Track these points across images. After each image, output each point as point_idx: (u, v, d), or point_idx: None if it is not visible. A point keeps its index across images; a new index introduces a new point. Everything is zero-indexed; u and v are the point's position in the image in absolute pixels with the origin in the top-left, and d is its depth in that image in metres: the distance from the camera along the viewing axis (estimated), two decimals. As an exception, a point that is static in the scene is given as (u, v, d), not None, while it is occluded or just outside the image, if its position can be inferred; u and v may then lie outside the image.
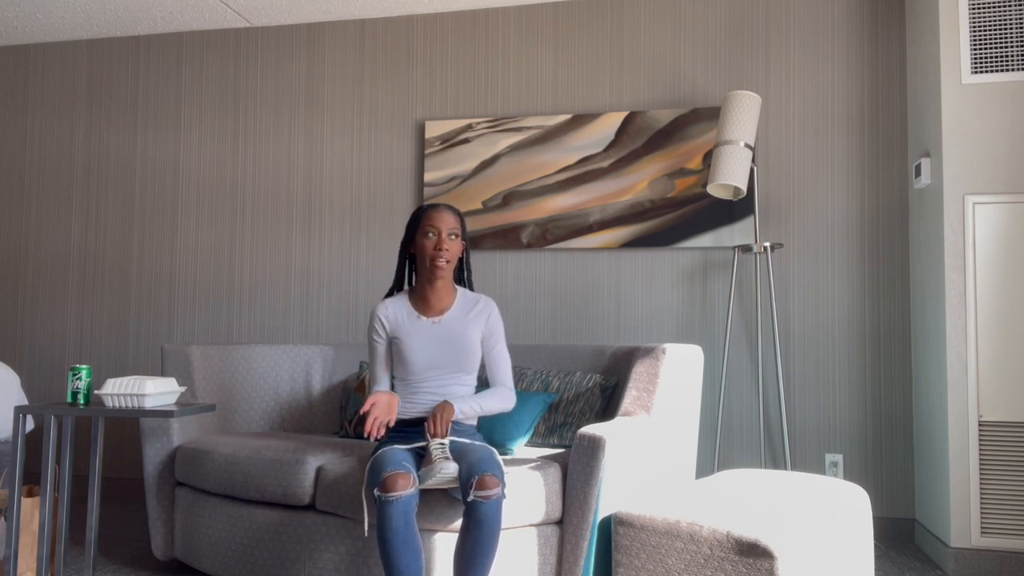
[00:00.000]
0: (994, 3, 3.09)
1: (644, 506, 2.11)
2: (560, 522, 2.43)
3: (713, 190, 3.53)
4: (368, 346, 2.53)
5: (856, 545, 2.19)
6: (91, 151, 4.55)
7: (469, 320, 2.47)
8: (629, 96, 3.94)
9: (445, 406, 2.31)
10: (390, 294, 2.57)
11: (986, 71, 3.09)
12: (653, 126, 3.85)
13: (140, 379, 2.41)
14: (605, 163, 3.88)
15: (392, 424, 2.28)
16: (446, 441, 2.24)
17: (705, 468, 3.74)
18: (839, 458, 3.60)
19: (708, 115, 3.79)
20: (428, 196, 4.06)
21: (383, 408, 2.27)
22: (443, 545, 2.35)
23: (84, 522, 3.81)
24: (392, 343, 2.47)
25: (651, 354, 2.68)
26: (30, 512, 2.71)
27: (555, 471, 2.43)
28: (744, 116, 3.41)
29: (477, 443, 2.31)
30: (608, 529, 2.26)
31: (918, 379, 3.48)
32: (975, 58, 3.10)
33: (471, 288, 2.60)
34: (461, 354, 2.43)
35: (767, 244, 3.49)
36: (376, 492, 2.09)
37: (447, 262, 2.41)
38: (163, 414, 2.32)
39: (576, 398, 2.88)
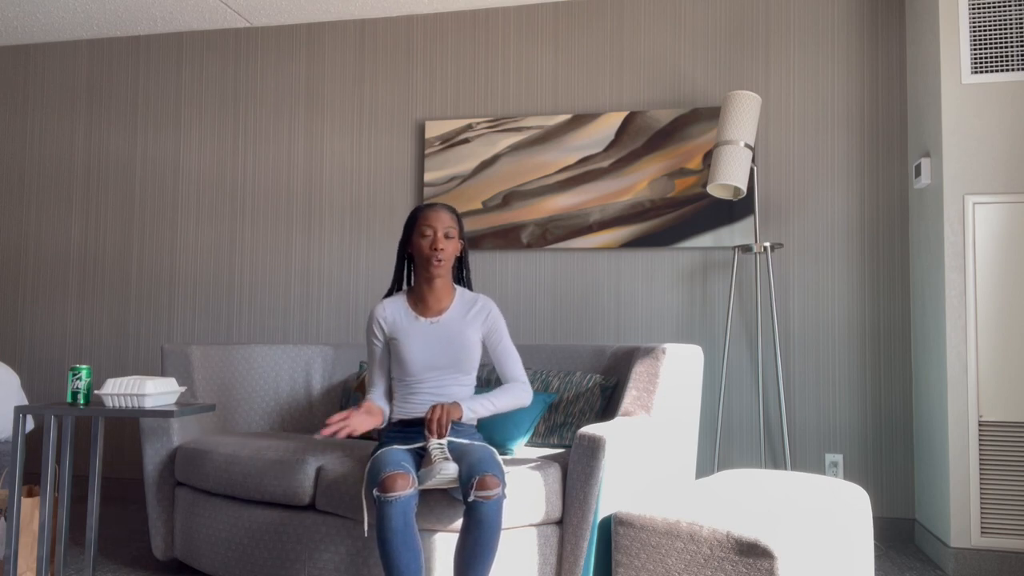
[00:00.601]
0: (994, 3, 3.09)
1: (644, 506, 2.11)
2: (560, 522, 2.43)
3: (713, 190, 3.53)
4: (366, 347, 2.53)
5: (856, 545, 2.19)
6: (91, 151, 4.55)
7: (468, 320, 2.47)
8: (629, 96, 3.94)
9: (447, 406, 2.31)
10: (389, 294, 2.57)
11: (986, 71, 3.09)
12: (653, 126, 3.85)
13: (140, 379, 2.41)
14: (605, 163, 3.88)
15: (355, 434, 2.28)
16: (444, 441, 2.24)
17: (705, 468, 3.74)
18: (839, 458, 3.60)
19: (708, 115, 3.79)
20: (428, 196, 4.06)
21: (359, 418, 2.28)
22: (443, 545, 2.35)
23: (84, 522, 3.81)
24: (390, 344, 2.48)
25: (651, 354, 2.68)
26: (30, 512, 2.71)
27: (555, 471, 2.43)
28: (744, 116, 3.41)
29: (477, 443, 2.31)
30: (608, 529, 2.26)
31: (918, 379, 3.48)
32: (975, 58, 3.10)
33: (470, 288, 2.60)
34: (459, 354, 2.43)
35: (767, 244, 3.49)
36: (375, 492, 2.09)
37: (443, 261, 2.41)
38: (163, 414, 2.32)
39: (576, 398, 2.88)
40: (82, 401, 2.46)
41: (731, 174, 3.37)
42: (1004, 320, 3.02)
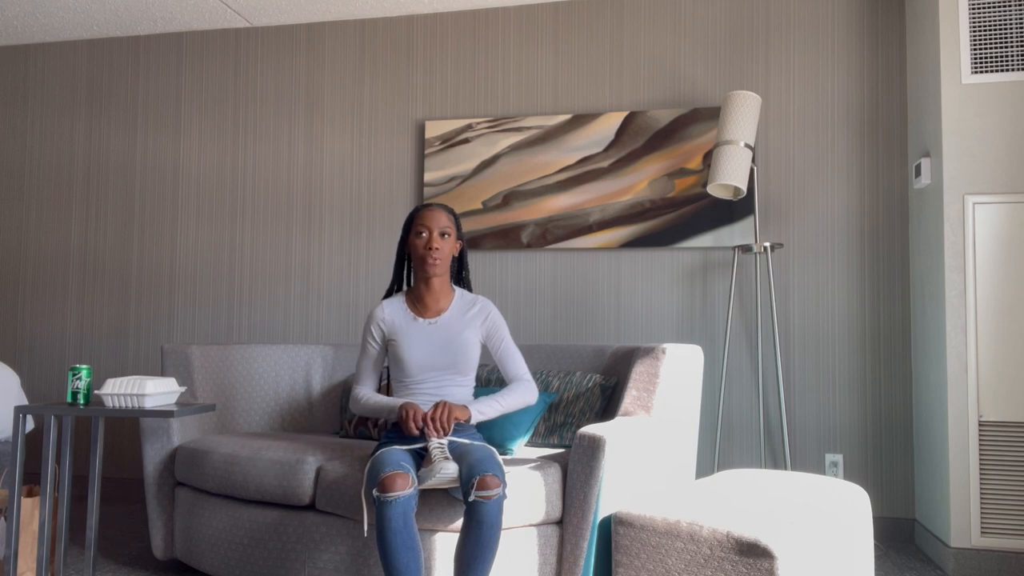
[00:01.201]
0: (994, 3, 3.09)
1: (644, 506, 2.11)
2: (560, 522, 2.43)
3: (713, 190, 3.53)
4: (361, 344, 2.53)
5: (856, 545, 2.19)
6: (91, 151, 4.55)
7: (466, 321, 2.47)
8: (629, 96, 3.94)
9: (452, 406, 2.30)
10: (388, 294, 2.57)
11: (986, 71, 3.09)
12: (653, 126, 3.85)
13: (140, 379, 2.41)
14: (605, 163, 3.88)
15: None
16: (445, 441, 2.24)
17: (705, 468, 3.74)
18: (839, 458, 3.60)
19: (708, 115, 3.79)
20: (428, 196, 4.06)
21: (416, 409, 2.28)
22: (443, 545, 2.35)
23: (84, 522, 3.81)
24: (389, 345, 2.48)
25: (651, 354, 2.68)
26: (30, 512, 2.71)
27: (555, 471, 2.43)
28: (744, 116, 3.41)
29: (477, 443, 2.31)
30: (608, 529, 2.26)
31: (918, 379, 3.48)
32: (975, 58, 3.10)
33: (469, 289, 2.61)
34: (458, 355, 2.43)
35: (767, 244, 3.49)
36: (375, 492, 2.09)
37: (438, 261, 2.42)
38: (163, 414, 2.33)
39: (576, 398, 2.88)
40: (82, 401, 2.46)
41: (731, 174, 3.37)
42: (1004, 320, 3.02)
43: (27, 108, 4.65)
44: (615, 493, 2.35)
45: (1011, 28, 3.08)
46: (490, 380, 3.05)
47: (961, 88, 3.12)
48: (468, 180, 4.02)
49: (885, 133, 3.67)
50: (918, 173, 3.34)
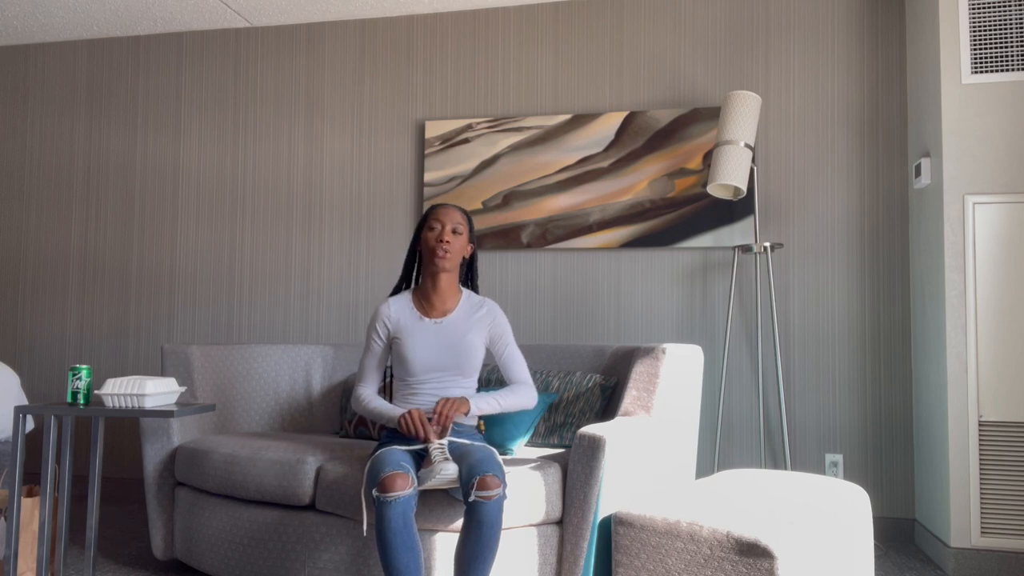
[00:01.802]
0: (994, 3, 3.09)
1: (644, 506, 2.11)
2: (560, 522, 2.43)
3: (713, 190, 3.53)
4: (365, 341, 2.53)
5: (856, 545, 2.19)
6: (91, 151, 4.55)
7: (472, 323, 2.47)
8: (629, 96, 3.94)
9: (453, 401, 2.30)
10: (396, 291, 2.57)
11: (986, 71, 3.09)
12: (653, 126, 3.85)
13: (140, 379, 2.41)
14: (605, 163, 3.88)
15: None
16: (445, 442, 2.24)
17: (705, 468, 3.74)
18: (839, 458, 3.60)
19: (708, 115, 3.79)
20: (428, 196, 4.06)
21: (414, 422, 2.27)
22: (443, 545, 2.35)
23: (84, 522, 3.81)
24: (393, 344, 2.48)
25: (651, 354, 2.68)
26: (30, 512, 2.71)
27: (555, 471, 2.43)
28: (744, 116, 3.41)
29: (477, 444, 2.31)
30: (608, 529, 2.26)
31: (918, 379, 3.48)
32: (975, 58, 3.10)
33: (476, 291, 2.61)
34: (462, 356, 2.43)
35: (767, 244, 3.49)
36: (375, 493, 2.09)
37: (448, 254, 2.41)
38: (163, 414, 2.32)
39: (576, 398, 2.88)
40: (82, 401, 2.46)
41: (731, 174, 3.37)
42: (1004, 320, 3.02)
43: (27, 108, 4.65)
44: (615, 493, 2.35)
45: (1011, 28, 3.08)
46: (490, 380, 3.05)
47: (961, 88, 3.12)
48: (468, 180, 4.02)
49: (885, 133, 3.67)
50: (918, 173, 3.34)
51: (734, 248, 3.59)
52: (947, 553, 3.04)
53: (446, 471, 2.13)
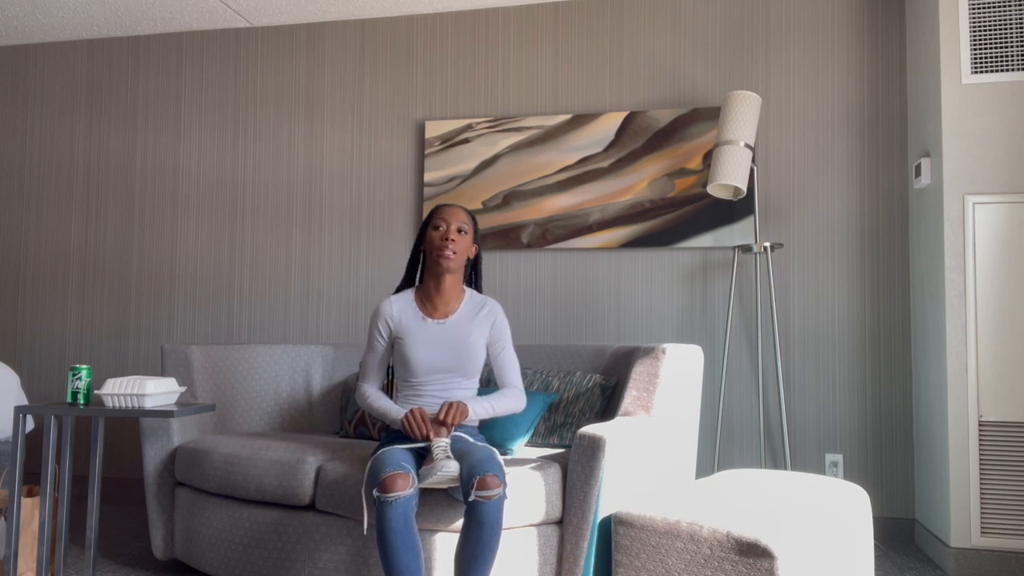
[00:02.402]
0: (994, 3, 3.09)
1: (644, 506, 2.11)
2: (560, 522, 2.43)
3: (713, 190, 3.53)
4: (367, 340, 2.52)
5: (856, 545, 2.19)
6: (91, 151, 4.55)
7: (475, 324, 2.47)
8: (629, 96, 3.94)
9: (459, 406, 2.31)
10: (398, 291, 2.56)
11: (986, 71, 3.09)
12: (653, 126, 3.85)
13: (140, 379, 2.41)
14: (605, 163, 3.88)
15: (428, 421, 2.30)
16: (447, 441, 2.24)
17: (705, 468, 3.74)
18: (839, 458, 3.60)
19: (708, 115, 3.79)
20: (428, 196, 4.06)
21: (416, 421, 2.29)
22: (443, 545, 2.35)
23: (84, 522, 3.81)
24: (395, 343, 2.47)
25: (651, 354, 2.68)
26: (30, 512, 2.71)
27: (555, 471, 2.43)
28: (744, 116, 3.41)
29: (479, 444, 2.31)
30: (608, 529, 2.26)
31: (918, 379, 3.48)
32: (975, 58, 3.10)
33: (479, 292, 2.60)
34: (464, 357, 2.43)
35: (767, 244, 3.49)
36: (375, 492, 2.09)
37: (454, 254, 2.41)
38: (163, 414, 2.33)
39: (576, 398, 2.88)
40: (82, 401, 2.46)
41: (731, 174, 3.37)
42: (1004, 320, 3.02)
43: (27, 108, 4.65)
44: (615, 493, 2.35)
45: (1011, 28, 3.08)
46: (490, 380, 3.05)
47: (961, 88, 3.12)
48: (468, 180, 4.02)
49: (885, 133, 3.67)
50: (918, 173, 3.34)
51: (734, 248, 3.59)
52: (947, 553, 3.04)
53: (447, 469, 2.13)
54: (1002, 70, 3.08)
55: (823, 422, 3.64)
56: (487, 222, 3.98)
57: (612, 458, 2.31)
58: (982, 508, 2.99)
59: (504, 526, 2.34)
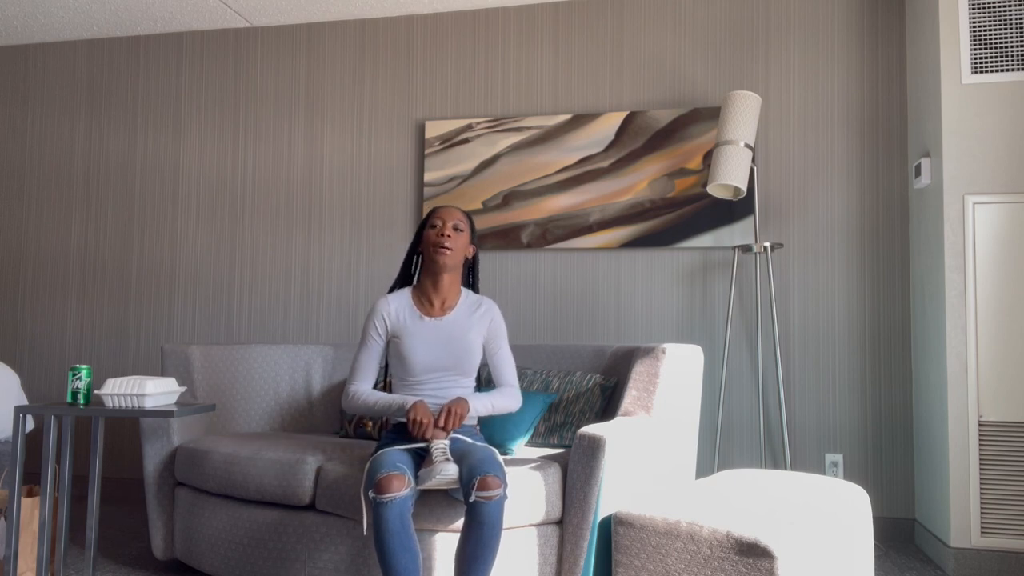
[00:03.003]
0: (994, 3, 3.09)
1: (644, 506, 2.11)
2: (560, 522, 2.43)
3: (713, 190, 3.53)
4: (361, 336, 2.50)
5: (856, 545, 2.19)
6: (91, 151, 4.55)
7: (472, 322, 2.47)
8: (629, 96, 3.94)
9: (460, 402, 2.30)
10: (392, 290, 2.56)
11: (986, 71, 3.09)
12: (653, 126, 3.85)
13: (140, 379, 2.41)
14: (605, 163, 3.88)
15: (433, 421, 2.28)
16: (447, 442, 2.24)
17: (705, 468, 3.74)
18: (839, 458, 3.60)
19: (708, 115, 3.79)
20: (428, 196, 4.06)
21: (424, 411, 2.27)
22: (443, 545, 2.35)
23: (84, 522, 3.81)
24: (391, 342, 2.47)
25: (651, 354, 2.68)
26: (30, 512, 2.71)
27: (555, 471, 2.43)
28: (744, 116, 3.41)
29: (479, 444, 2.31)
30: (608, 529, 2.26)
31: (918, 379, 3.48)
32: (975, 58, 3.10)
33: (476, 292, 2.60)
34: (462, 356, 2.43)
35: (767, 244, 3.49)
36: (371, 494, 2.09)
37: (450, 250, 2.41)
38: (163, 414, 2.33)
39: (576, 398, 2.88)
40: (82, 401, 2.46)
41: (731, 174, 3.37)
42: (1004, 320, 3.02)
43: (27, 108, 4.65)
44: (615, 493, 2.35)
45: (1011, 28, 3.08)
46: (490, 380, 3.05)
47: (961, 88, 3.12)
48: (468, 180, 4.02)
49: (885, 133, 3.67)
50: (918, 173, 3.34)
51: (734, 248, 3.59)
52: (947, 553, 3.04)
53: (446, 472, 2.13)
54: (1002, 70, 3.08)
55: (823, 422, 3.64)
56: (487, 222, 3.98)
57: (612, 458, 2.31)
58: (982, 508, 2.99)
59: (504, 526, 2.34)
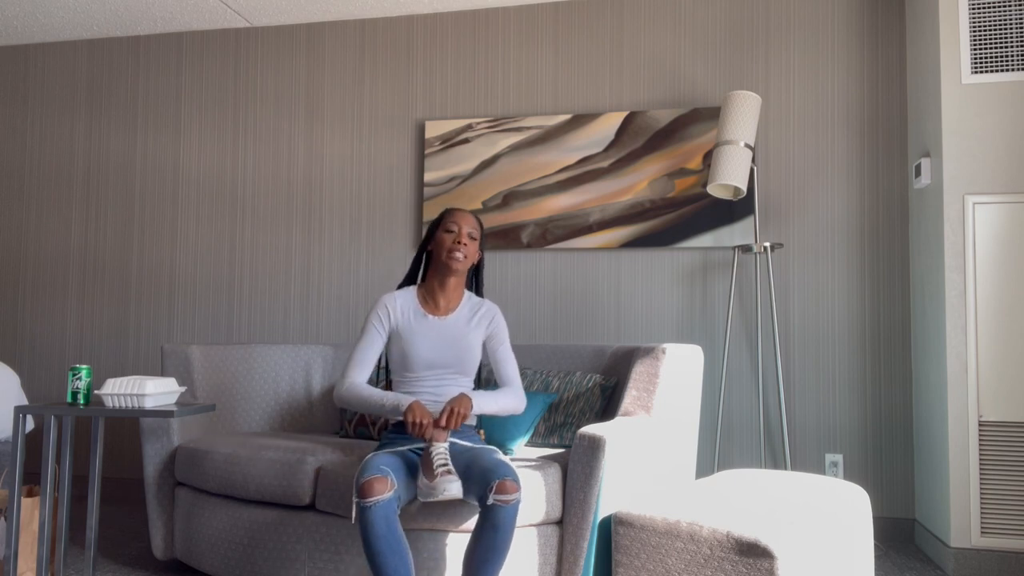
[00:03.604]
0: (994, 3, 3.09)
1: (644, 506, 2.11)
2: (560, 522, 2.43)
3: (713, 190, 3.53)
4: (363, 328, 2.49)
5: (856, 545, 2.19)
6: (91, 151, 4.55)
7: (473, 323, 2.49)
8: (629, 96, 3.94)
9: (463, 400, 2.28)
10: (401, 287, 2.58)
11: (986, 71, 3.09)
12: (653, 126, 3.85)
13: (140, 379, 2.41)
14: (605, 163, 3.88)
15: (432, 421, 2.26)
16: (446, 446, 2.21)
17: (705, 468, 3.74)
18: (839, 458, 3.60)
19: (708, 115, 3.79)
20: (428, 196, 4.06)
21: (422, 411, 2.24)
22: (453, 545, 2.35)
23: (84, 522, 3.81)
24: (392, 338, 2.48)
25: (651, 354, 2.68)
26: (30, 512, 2.71)
27: (555, 471, 2.43)
28: (744, 116, 3.41)
29: (486, 447, 2.31)
30: (608, 529, 2.26)
31: (918, 379, 3.48)
32: (975, 58, 3.10)
33: (479, 295, 2.63)
34: (463, 355, 2.44)
35: (767, 244, 3.49)
36: (355, 499, 2.08)
37: (464, 257, 2.44)
38: (163, 414, 2.32)
39: (576, 398, 2.88)
40: (82, 401, 2.46)
41: (731, 174, 3.37)
42: (1004, 320, 3.02)
43: (27, 108, 4.65)
44: (615, 493, 2.35)
45: (1011, 28, 3.08)
46: (489, 380, 3.05)
47: (961, 88, 3.12)
48: (468, 180, 4.02)
49: (885, 133, 3.67)
50: (918, 173, 3.34)
51: (734, 248, 3.59)
52: (947, 553, 3.04)
53: (450, 491, 2.08)
54: (1002, 70, 3.08)
55: (823, 422, 3.64)
56: (487, 222, 3.98)
57: (612, 458, 2.31)
58: (982, 508, 2.99)
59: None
